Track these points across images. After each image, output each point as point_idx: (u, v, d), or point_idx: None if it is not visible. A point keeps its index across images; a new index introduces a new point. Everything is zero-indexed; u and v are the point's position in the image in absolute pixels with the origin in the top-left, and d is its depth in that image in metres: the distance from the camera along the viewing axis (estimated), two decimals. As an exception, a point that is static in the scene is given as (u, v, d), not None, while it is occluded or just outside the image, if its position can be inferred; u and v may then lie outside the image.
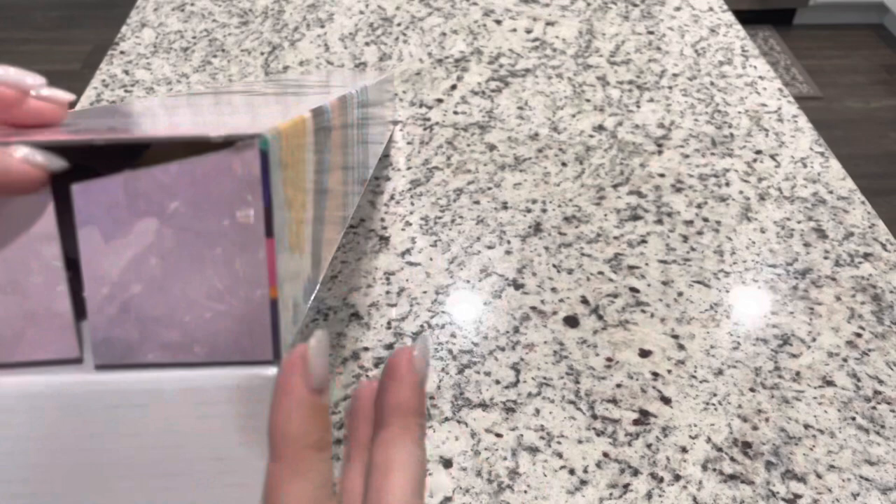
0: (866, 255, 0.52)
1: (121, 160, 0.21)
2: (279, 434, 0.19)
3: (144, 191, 0.18)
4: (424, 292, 0.48)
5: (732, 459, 0.39)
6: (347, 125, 0.34)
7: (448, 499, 0.37)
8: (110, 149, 0.19)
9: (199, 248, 0.18)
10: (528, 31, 0.78)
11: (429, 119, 0.65)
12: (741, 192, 0.57)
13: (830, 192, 0.57)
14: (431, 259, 0.51)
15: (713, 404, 0.42)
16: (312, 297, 0.27)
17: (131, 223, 0.18)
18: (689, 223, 0.54)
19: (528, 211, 0.55)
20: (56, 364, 0.20)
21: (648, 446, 0.40)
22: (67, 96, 0.21)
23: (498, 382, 0.43)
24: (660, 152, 0.61)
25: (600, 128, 0.64)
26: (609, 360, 0.44)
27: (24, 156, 0.18)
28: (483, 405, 0.42)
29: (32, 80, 0.21)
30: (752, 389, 0.43)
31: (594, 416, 0.41)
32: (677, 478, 0.38)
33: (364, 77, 0.56)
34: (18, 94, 0.21)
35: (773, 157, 0.61)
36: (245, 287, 0.19)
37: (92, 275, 0.19)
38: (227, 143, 0.18)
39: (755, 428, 0.41)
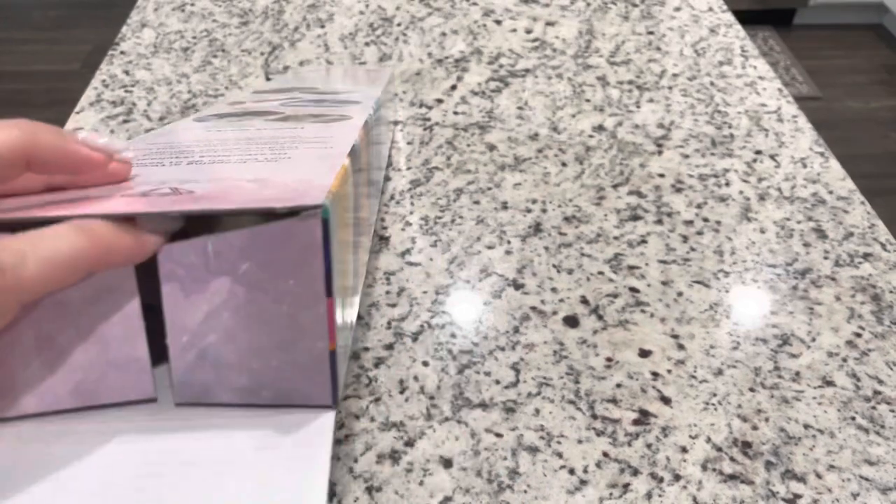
0: (866, 255, 0.52)
1: (196, 223, 0.23)
2: None
3: (220, 253, 0.21)
4: (424, 292, 0.48)
5: (732, 459, 0.39)
6: (370, 144, 0.35)
7: (448, 499, 0.37)
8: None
9: (267, 304, 0.21)
10: (528, 32, 0.78)
11: (429, 119, 0.65)
12: (741, 193, 0.57)
13: (830, 193, 0.57)
14: (431, 259, 0.51)
15: (713, 404, 0.42)
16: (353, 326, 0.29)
17: (208, 281, 0.21)
18: (689, 223, 0.54)
19: (528, 211, 0.55)
20: (133, 404, 0.22)
21: (648, 446, 0.40)
22: (121, 146, 0.24)
23: (498, 382, 0.43)
24: (660, 152, 0.61)
25: (600, 128, 0.64)
26: (609, 360, 0.44)
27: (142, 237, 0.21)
28: (483, 405, 0.42)
29: (118, 146, 0.23)
30: (751, 389, 0.43)
31: (594, 416, 0.41)
32: (677, 478, 0.38)
33: (369, 77, 0.56)
34: (107, 158, 0.23)
35: (772, 157, 0.61)
36: (307, 340, 0.21)
37: (174, 325, 0.21)
38: (293, 213, 0.20)
39: (755, 428, 0.41)
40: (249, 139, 0.30)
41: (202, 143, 0.29)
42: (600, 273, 0.50)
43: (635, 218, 0.55)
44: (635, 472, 0.38)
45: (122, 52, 0.75)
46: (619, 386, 0.43)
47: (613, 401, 0.42)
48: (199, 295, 0.21)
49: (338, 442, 0.39)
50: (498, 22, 0.80)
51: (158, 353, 0.22)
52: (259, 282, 0.19)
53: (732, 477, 0.38)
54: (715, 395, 0.42)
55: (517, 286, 0.49)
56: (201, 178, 0.24)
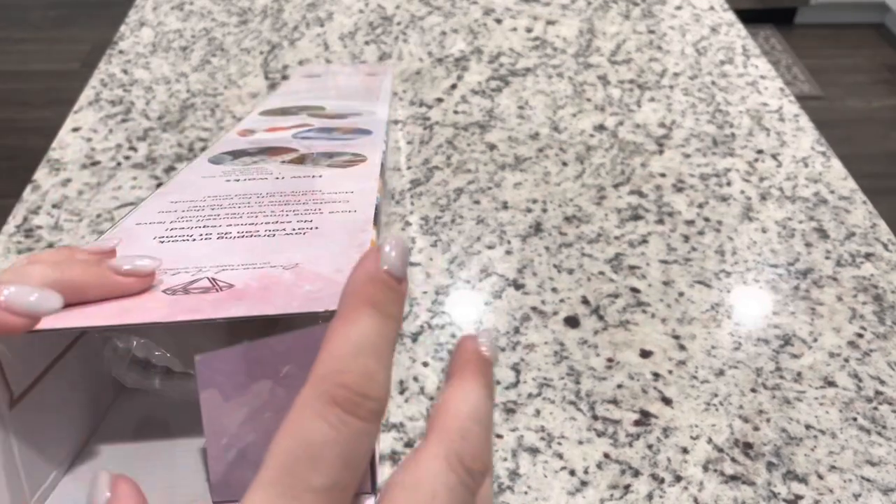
0: (868, 255, 0.51)
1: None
2: (350, 288, 0.18)
3: (260, 359, 0.21)
4: (424, 292, 0.48)
5: (733, 460, 0.39)
6: (385, 184, 0.35)
7: (448, 500, 0.37)
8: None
9: None
10: (529, 31, 0.78)
11: (429, 118, 0.65)
12: (742, 192, 0.57)
13: (832, 192, 0.57)
14: (431, 259, 0.51)
15: (714, 405, 0.42)
16: None
17: (248, 385, 0.21)
18: (691, 223, 0.54)
19: (529, 211, 0.55)
20: None
21: (649, 447, 0.39)
22: (150, 266, 0.23)
23: (498, 383, 0.43)
24: (661, 152, 0.61)
25: (601, 127, 0.64)
26: (610, 360, 0.44)
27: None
28: (483, 406, 0.41)
29: (147, 265, 0.23)
30: (753, 390, 0.42)
31: (595, 417, 0.41)
32: (678, 479, 0.38)
33: (368, 83, 0.56)
34: (137, 281, 0.22)
35: (774, 156, 0.61)
36: None
37: (212, 431, 0.21)
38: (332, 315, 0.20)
39: (756, 428, 0.40)
40: (272, 197, 0.29)
41: (226, 205, 0.29)
42: (601, 273, 0.50)
43: (636, 218, 0.54)
44: (636, 473, 0.38)
45: (120, 52, 0.75)
46: (619, 386, 0.42)
47: (614, 401, 0.42)
48: (239, 399, 0.21)
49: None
50: (498, 21, 0.80)
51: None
52: (301, 381, 0.19)
53: (734, 478, 0.38)
54: (716, 395, 0.42)
55: (517, 286, 0.49)
56: (235, 262, 0.24)
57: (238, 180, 0.31)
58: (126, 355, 0.26)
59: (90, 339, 0.26)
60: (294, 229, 0.26)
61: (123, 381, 0.26)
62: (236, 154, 0.36)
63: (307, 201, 0.29)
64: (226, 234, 0.26)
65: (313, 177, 0.32)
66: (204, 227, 0.27)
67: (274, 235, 0.26)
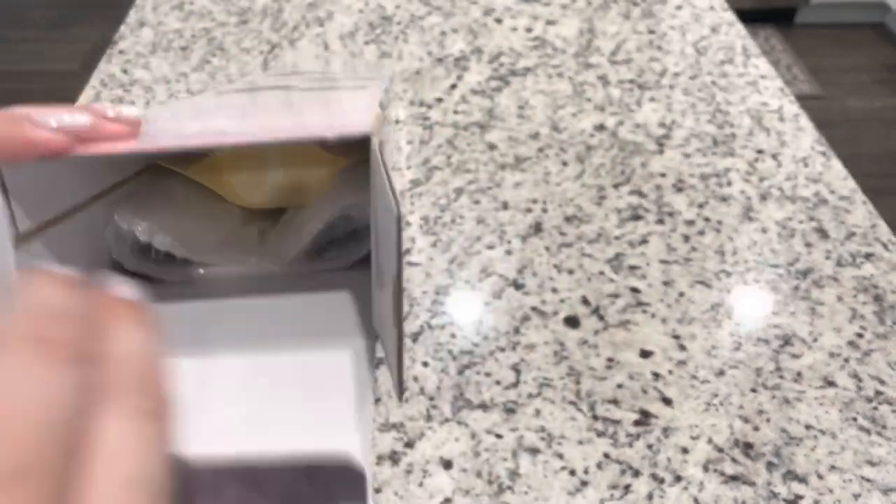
0: (868, 256, 0.51)
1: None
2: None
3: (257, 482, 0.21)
4: (424, 292, 0.48)
5: (734, 460, 0.39)
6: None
7: (448, 500, 0.37)
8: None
9: None
10: (529, 30, 0.78)
11: (429, 118, 0.65)
12: (742, 192, 0.57)
13: (832, 192, 0.57)
14: (431, 259, 0.51)
15: (714, 405, 0.42)
16: None
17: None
18: (691, 223, 0.54)
19: (529, 211, 0.55)
20: None
21: (649, 447, 0.39)
22: (135, 112, 0.24)
23: (498, 383, 0.43)
24: (661, 152, 0.61)
25: (601, 127, 0.64)
26: (610, 360, 0.44)
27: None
28: (483, 406, 0.41)
29: (83, 114, 0.24)
30: (753, 390, 0.42)
31: (595, 417, 0.41)
32: (678, 479, 0.38)
33: (367, 73, 0.55)
34: (69, 138, 0.23)
35: (774, 156, 0.61)
36: None
37: None
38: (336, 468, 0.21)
39: (756, 429, 0.40)
40: (283, 96, 0.29)
41: (234, 103, 0.29)
42: (601, 273, 0.50)
43: (636, 218, 0.54)
44: (636, 473, 0.38)
45: (120, 51, 0.75)
46: (619, 386, 0.42)
47: (614, 401, 0.42)
48: None
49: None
50: (498, 20, 0.80)
51: None
52: None
53: (734, 478, 0.38)
54: (716, 395, 0.42)
55: (517, 286, 0.49)
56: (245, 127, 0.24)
57: (245, 92, 0.32)
58: (129, 237, 0.26)
59: (94, 217, 0.26)
60: (303, 98, 0.27)
61: (124, 263, 0.26)
62: (239, 91, 0.35)
63: (315, 87, 0.29)
64: (236, 114, 0.26)
65: (322, 87, 0.32)
66: (209, 114, 0.27)
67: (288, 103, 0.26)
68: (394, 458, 0.39)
